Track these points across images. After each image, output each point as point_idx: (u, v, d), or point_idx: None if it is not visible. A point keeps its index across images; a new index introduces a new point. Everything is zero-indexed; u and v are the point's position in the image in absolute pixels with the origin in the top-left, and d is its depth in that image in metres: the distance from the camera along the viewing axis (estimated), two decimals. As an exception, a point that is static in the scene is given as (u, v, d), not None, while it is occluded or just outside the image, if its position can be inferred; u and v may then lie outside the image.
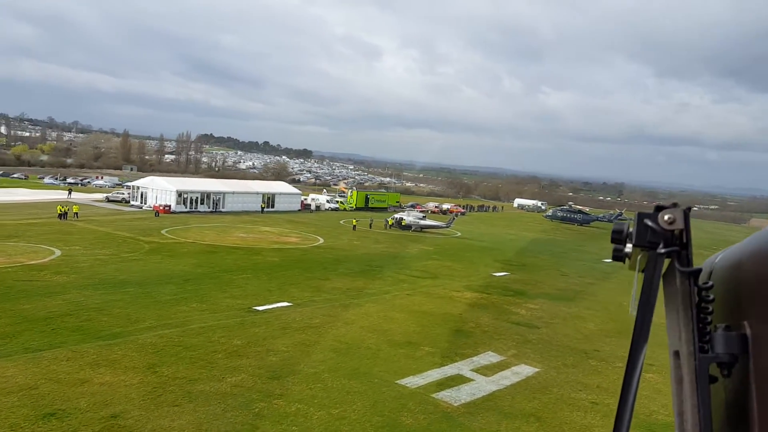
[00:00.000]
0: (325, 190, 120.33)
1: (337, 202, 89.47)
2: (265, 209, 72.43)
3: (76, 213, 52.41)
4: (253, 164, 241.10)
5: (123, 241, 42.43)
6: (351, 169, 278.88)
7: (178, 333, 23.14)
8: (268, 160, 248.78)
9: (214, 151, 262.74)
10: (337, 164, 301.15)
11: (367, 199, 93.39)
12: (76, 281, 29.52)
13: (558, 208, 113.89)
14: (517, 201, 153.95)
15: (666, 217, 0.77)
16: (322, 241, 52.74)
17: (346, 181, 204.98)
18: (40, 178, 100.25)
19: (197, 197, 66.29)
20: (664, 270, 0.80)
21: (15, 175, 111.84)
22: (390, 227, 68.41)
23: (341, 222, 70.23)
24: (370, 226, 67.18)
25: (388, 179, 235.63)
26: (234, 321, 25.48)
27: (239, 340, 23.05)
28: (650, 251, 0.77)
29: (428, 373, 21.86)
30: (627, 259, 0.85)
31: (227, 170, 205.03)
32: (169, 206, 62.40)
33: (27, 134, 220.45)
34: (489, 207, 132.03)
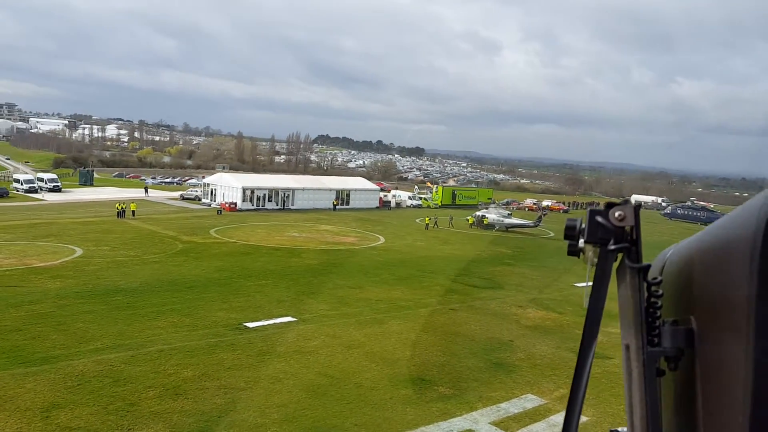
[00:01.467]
0: (416, 187, 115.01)
1: (421, 198, 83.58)
2: (339, 206, 68.32)
3: (133, 211, 51.12)
4: (363, 162, 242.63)
5: (159, 241, 39.71)
6: (463, 167, 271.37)
7: (125, 358, 18.73)
8: (380, 159, 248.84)
9: (328, 151, 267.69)
10: (450, 162, 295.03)
11: (453, 195, 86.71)
12: (66, 288, 26.40)
13: (678, 205, 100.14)
14: (635, 198, 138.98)
15: (617, 214, 0.78)
16: (382, 241, 47.32)
17: (456, 178, 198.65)
18: (141, 179, 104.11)
19: (264, 194, 63.52)
20: (616, 265, 0.82)
21: (129, 176, 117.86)
22: (471, 226, 61.55)
23: (417, 221, 64.37)
24: (450, 224, 60.76)
25: (501, 176, 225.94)
26: (207, 342, 20.73)
27: (193, 370, 18.20)
28: (601, 247, 0.79)
29: (426, 429, 15.68)
30: (581, 254, 0.86)
31: (335, 169, 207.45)
32: (235, 204, 60.06)
33: (158, 138, 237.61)
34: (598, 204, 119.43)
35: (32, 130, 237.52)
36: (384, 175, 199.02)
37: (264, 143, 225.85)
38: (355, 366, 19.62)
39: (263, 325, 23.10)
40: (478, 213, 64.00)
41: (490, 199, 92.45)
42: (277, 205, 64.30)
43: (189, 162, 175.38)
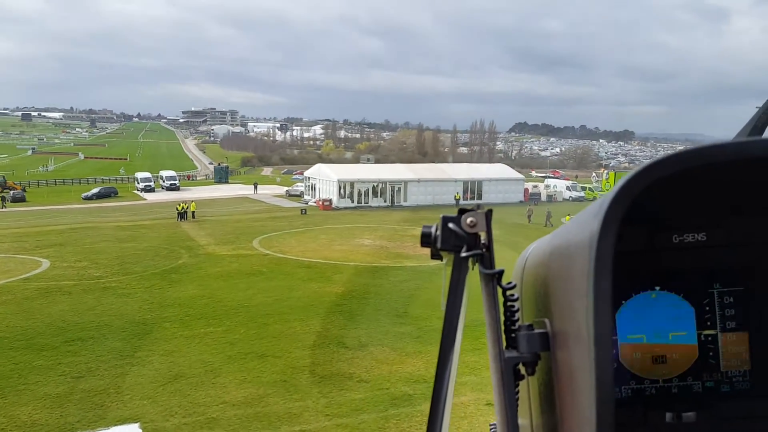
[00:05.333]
0: (594, 174, 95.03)
1: (585, 189, 65.48)
2: (465, 200, 54.45)
3: (193, 212, 43.93)
4: (560, 150, 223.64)
5: (167, 255, 30.88)
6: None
7: None
8: (580, 145, 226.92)
9: (523, 140, 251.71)
10: (665, 146, 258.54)
11: (633, 184, 66.56)
12: None
13: None
14: None
15: (468, 221, 0.77)
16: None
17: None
18: (285, 173, 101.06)
19: (368, 189, 52.46)
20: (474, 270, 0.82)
21: (297, 173, 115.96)
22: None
23: (561, 220, 47.80)
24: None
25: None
26: None
27: None
28: (455, 254, 0.78)
29: None
30: (444, 258, 0.85)
31: (523, 158, 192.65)
32: (330, 201, 50.04)
33: (357, 135, 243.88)
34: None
35: (247, 134, 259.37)
36: (579, 162, 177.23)
37: (448, 134, 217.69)
38: None
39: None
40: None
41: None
42: (385, 201, 52.82)
43: (369, 157, 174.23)
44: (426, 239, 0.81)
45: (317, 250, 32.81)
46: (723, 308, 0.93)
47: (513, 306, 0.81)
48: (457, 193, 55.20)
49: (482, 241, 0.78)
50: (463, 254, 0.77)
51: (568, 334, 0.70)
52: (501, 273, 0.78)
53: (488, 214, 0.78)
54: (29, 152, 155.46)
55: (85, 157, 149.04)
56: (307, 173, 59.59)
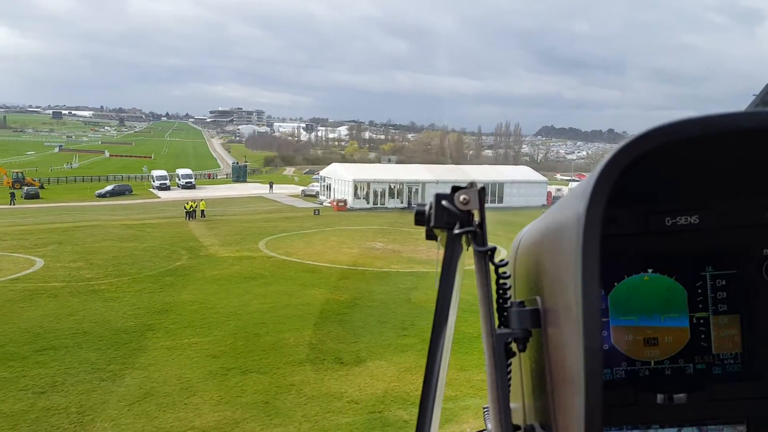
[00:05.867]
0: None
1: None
2: (486, 203, 52.02)
3: (203, 211, 42.62)
4: (586, 153, 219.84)
5: (166, 256, 29.50)
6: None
7: None
8: (607, 148, 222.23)
9: (550, 143, 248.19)
10: None
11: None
12: None
13: None
14: None
15: (461, 198, 0.77)
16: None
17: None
18: (306, 173, 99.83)
19: (383, 189, 50.64)
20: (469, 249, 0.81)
21: (317, 173, 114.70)
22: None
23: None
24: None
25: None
26: None
27: None
28: (448, 231, 0.78)
29: None
30: (438, 239, 0.84)
31: (548, 161, 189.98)
32: (345, 201, 48.38)
33: (382, 137, 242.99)
34: None
35: (272, 134, 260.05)
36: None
37: (473, 137, 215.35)
38: None
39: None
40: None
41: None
42: (402, 202, 50.95)
43: (390, 157, 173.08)
44: (420, 217, 0.81)
45: (325, 253, 31.14)
46: (715, 291, 0.94)
47: (505, 283, 0.81)
48: (478, 195, 52.97)
49: (476, 220, 0.78)
50: (456, 231, 0.77)
51: (559, 310, 0.70)
52: (493, 250, 0.78)
53: (481, 192, 0.78)
54: (56, 149, 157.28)
55: (110, 155, 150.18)
56: (322, 173, 58.04)
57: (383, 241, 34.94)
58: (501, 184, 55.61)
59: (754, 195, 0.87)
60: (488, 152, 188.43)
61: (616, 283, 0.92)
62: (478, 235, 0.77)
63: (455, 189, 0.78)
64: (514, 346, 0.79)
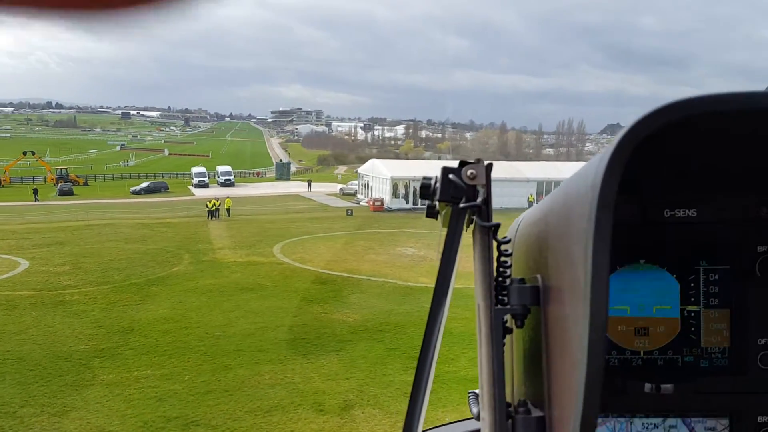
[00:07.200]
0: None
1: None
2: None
3: (228, 210, 39.58)
4: None
5: (166, 260, 26.29)
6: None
7: None
8: None
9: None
10: None
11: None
12: None
13: None
14: None
15: (469, 173, 0.77)
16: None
17: None
18: (357, 171, 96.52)
19: (426, 188, 46.13)
20: (472, 225, 0.81)
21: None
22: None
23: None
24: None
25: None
26: None
27: None
28: (453, 206, 0.78)
29: None
30: (438, 216, 0.84)
31: None
32: (381, 201, 44.33)
33: (439, 135, 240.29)
34: None
35: (330, 133, 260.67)
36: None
37: (533, 135, 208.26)
38: None
39: None
40: None
41: None
42: (445, 202, 46.29)
43: (448, 156, 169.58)
44: (425, 191, 0.81)
45: (345, 260, 27.17)
46: (708, 285, 0.96)
47: (506, 261, 0.81)
48: (531, 195, 47.73)
49: (481, 195, 0.78)
50: (462, 205, 0.77)
51: (563, 285, 0.69)
52: (497, 226, 0.78)
53: (488, 167, 0.78)
54: (118, 148, 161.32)
55: (169, 154, 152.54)
56: (360, 170, 54.20)
57: (415, 246, 30.63)
58: (558, 182, 49.88)
59: (752, 191, 0.89)
60: (549, 150, 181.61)
61: (610, 273, 0.87)
62: (483, 211, 0.77)
63: (462, 164, 0.77)
64: (510, 323, 0.78)
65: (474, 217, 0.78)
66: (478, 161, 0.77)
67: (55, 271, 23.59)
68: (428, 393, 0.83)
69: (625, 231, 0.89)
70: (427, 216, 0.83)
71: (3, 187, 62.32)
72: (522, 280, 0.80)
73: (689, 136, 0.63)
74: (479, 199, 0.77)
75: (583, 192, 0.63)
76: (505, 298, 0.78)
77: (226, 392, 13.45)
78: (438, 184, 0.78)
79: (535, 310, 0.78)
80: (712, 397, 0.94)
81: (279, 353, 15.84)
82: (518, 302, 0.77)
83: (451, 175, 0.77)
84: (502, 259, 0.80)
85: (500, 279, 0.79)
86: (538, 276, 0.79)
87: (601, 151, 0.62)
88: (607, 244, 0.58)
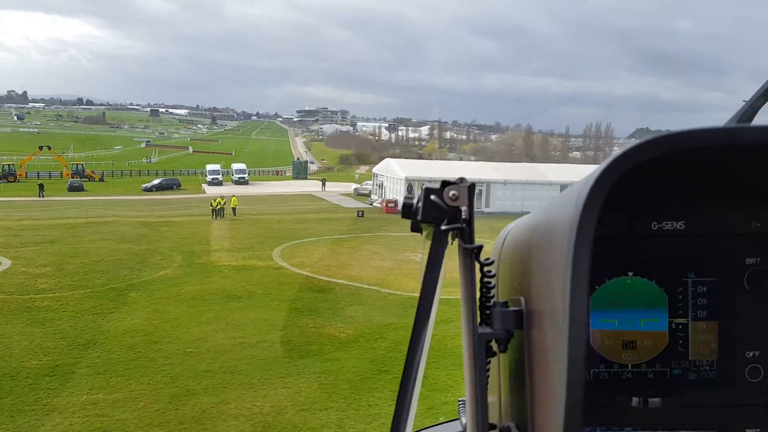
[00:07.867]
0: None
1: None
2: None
3: (234, 209, 37.97)
4: None
5: (155, 263, 24.68)
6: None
7: None
8: None
9: None
10: None
11: None
12: None
13: None
14: None
15: (450, 194, 0.76)
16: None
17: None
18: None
19: (442, 189, 43.92)
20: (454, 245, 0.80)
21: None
22: None
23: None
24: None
25: None
26: None
27: None
28: (435, 227, 0.78)
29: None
30: (423, 231, 0.84)
31: None
32: (394, 202, 42.28)
33: (464, 137, 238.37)
34: None
35: (355, 133, 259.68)
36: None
37: (560, 138, 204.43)
38: None
39: None
40: None
41: None
42: (464, 204, 44.03)
43: (461, 156, 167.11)
44: (407, 210, 0.81)
45: (348, 265, 25.22)
46: (696, 297, 0.95)
47: (489, 282, 0.81)
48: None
49: (463, 216, 0.76)
50: (443, 227, 0.76)
51: (544, 311, 0.69)
52: (480, 248, 0.77)
53: (471, 188, 0.77)
54: (143, 144, 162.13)
55: (193, 151, 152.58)
56: (375, 169, 52.15)
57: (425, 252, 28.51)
58: (583, 186, 47.43)
59: (741, 204, 0.88)
60: (576, 154, 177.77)
61: (597, 286, 0.92)
62: (465, 232, 0.76)
63: (445, 184, 0.76)
64: (494, 346, 0.78)
65: (457, 239, 0.77)
66: (461, 180, 0.76)
67: (35, 272, 22.14)
68: (416, 395, 0.80)
69: (613, 244, 0.89)
70: (412, 231, 0.81)
71: (18, 181, 62.07)
72: (505, 304, 0.79)
73: (675, 155, 0.60)
74: (462, 221, 0.75)
75: (564, 222, 0.61)
76: (489, 321, 0.78)
77: (180, 425, 11.59)
78: (420, 204, 0.77)
79: (518, 333, 0.77)
80: (700, 410, 0.93)
81: (252, 375, 13.94)
82: (501, 326, 0.77)
83: (432, 196, 0.76)
84: (486, 280, 0.79)
85: (484, 300, 0.79)
86: (522, 299, 0.78)
87: (586, 177, 0.60)
88: (585, 278, 0.58)
